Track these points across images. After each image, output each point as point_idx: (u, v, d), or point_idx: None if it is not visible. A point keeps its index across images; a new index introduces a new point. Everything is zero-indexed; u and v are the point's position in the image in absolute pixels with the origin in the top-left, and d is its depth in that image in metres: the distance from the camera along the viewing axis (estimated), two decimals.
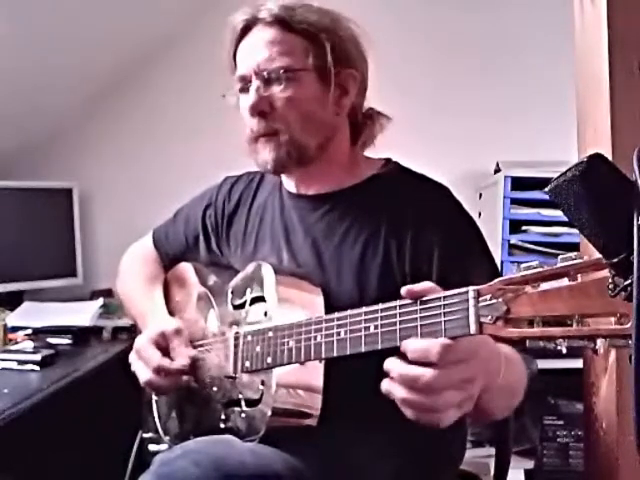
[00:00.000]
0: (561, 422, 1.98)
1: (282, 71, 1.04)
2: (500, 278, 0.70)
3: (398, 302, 0.79)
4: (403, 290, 0.77)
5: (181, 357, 1.06)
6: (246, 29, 1.09)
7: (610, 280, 0.60)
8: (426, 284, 0.78)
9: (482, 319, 0.70)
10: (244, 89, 1.08)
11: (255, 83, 1.05)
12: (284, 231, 1.15)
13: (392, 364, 0.73)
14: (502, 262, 2.02)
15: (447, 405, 0.71)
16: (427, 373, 0.70)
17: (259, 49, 1.06)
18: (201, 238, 1.28)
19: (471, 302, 0.71)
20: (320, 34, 1.06)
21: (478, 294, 0.71)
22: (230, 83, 1.12)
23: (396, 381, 0.73)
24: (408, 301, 0.78)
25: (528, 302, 0.66)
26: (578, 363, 1.32)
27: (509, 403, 0.89)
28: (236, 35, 1.10)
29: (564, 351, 0.65)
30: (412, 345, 0.73)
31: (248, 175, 1.28)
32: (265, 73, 1.05)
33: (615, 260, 0.59)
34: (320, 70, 1.06)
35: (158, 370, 1.05)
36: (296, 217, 1.14)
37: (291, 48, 1.05)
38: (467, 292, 0.72)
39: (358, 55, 1.11)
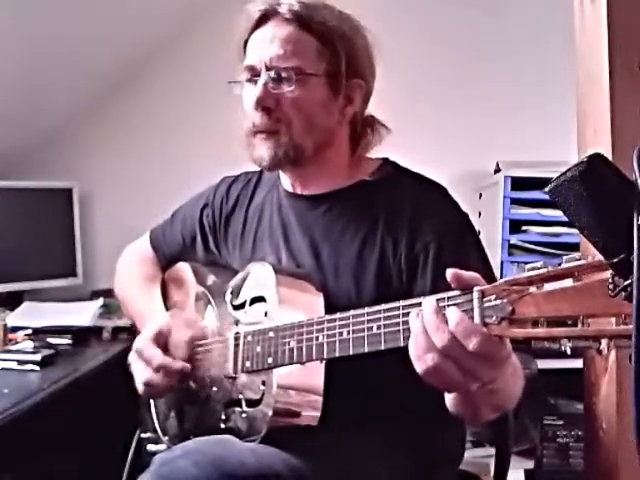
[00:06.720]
0: (561, 422, 1.98)
1: (293, 72, 1.02)
2: (504, 279, 0.69)
3: (401, 302, 0.78)
4: (449, 273, 0.73)
5: (181, 352, 1.07)
6: (262, 19, 1.06)
7: (610, 280, 0.60)
8: (473, 274, 0.74)
9: (487, 319, 0.69)
10: (251, 79, 1.06)
11: (264, 77, 1.03)
12: (282, 230, 1.15)
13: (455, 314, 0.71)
14: (502, 262, 2.02)
15: (455, 374, 0.71)
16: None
17: (273, 43, 1.03)
18: (198, 238, 1.27)
19: (476, 302, 0.70)
20: (337, 41, 1.04)
21: (482, 294, 0.70)
22: (235, 75, 1.10)
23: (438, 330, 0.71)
24: (411, 301, 0.77)
25: (533, 303, 0.66)
26: (578, 363, 1.32)
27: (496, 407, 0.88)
28: (251, 23, 1.07)
29: (569, 352, 0.64)
30: (455, 318, 0.70)
31: (246, 175, 1.27)
32: (276, 70, 1.03)
33: (615, 260, 0.59)
34: (331, 77, 1.05)
35: (159, 369, 1.05)
36: (294, 216, 1.14)
37: (306, 49, 1.04)
38: (472, 292, 0.71)
39: (369, 65, 1.10)
